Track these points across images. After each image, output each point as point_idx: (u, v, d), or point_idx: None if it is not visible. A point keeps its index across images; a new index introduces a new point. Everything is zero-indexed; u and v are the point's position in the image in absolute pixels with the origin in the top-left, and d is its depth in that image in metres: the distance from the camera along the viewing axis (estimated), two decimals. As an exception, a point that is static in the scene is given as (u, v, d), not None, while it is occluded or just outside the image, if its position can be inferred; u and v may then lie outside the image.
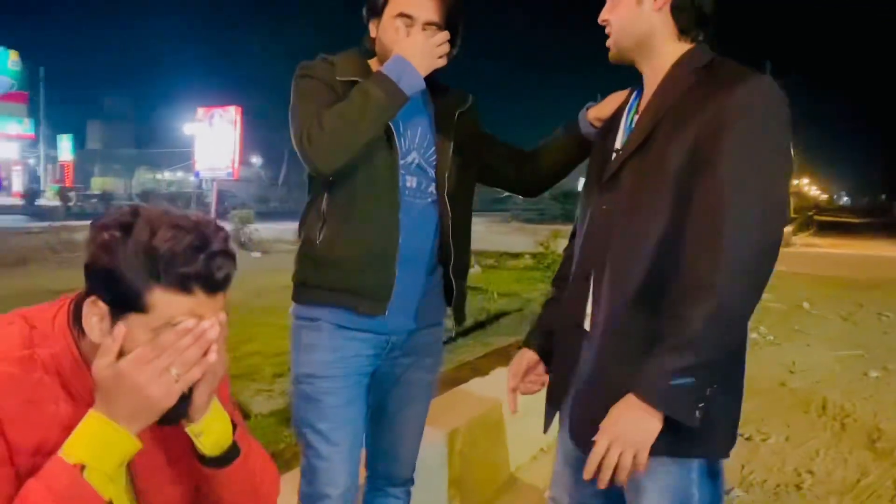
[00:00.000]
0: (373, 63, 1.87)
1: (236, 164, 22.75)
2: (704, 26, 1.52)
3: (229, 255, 1.13)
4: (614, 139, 1.62)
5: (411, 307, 1.87)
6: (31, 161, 50.08)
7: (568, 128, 1.95)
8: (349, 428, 1.86)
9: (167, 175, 53.91)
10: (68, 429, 1.09)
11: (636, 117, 1.57)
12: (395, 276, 1.78)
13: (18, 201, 36.38)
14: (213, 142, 22.69)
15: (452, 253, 1.88)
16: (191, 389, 1.14)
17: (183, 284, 1.07)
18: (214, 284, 1.10)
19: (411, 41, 1.74)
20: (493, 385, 3.40)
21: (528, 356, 1.78)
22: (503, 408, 3.20)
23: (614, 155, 1.58)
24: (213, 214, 22.81)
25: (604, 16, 1.58)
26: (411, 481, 2.08)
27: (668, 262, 1.40)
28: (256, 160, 55.02)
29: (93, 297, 1.10)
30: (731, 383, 1.47)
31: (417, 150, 1.86)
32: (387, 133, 1.77)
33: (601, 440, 1.39)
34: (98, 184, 49.94)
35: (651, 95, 1.53)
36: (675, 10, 1.49)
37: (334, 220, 1.78)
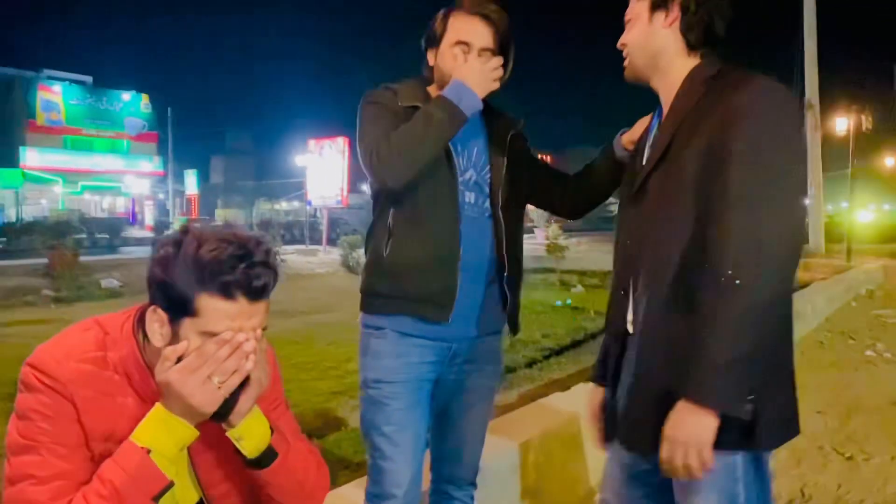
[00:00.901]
0: (431, 90, 2.00)
1: (345, 192, 23.55)
2: (713, 42, 1.59)
3: (269, 267, 1.27)
4: (642, 158, 1.69)
5: (472, 315, 1.97)
6: (161, 196, 53.43)
7: (605, 153, 2.05)
8: (412, 431, 1.97)
9: (284, 205, 56.32)
10: (134, 420, 1.27)
11: (657, 133, 1.64)
12: (457, 283, 1.90)
13: (150, 234, 38.90)
14: (323, 171, 23.65)
15: (506, 264, 1.98)
16: (234, 394, 1.27)
17: (226, 291, 1.22)
18: (254, 291, 1.24)
19: (469, 66, 1.87)
20: (573, 399, 3.42)
21: (597, 393, 1.84)
22: (581, 421, 3.22)
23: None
24: (324, 241, 23.82)
25: (622, 41, 1.67)
26: (474, 485, 2.17)
27: (696, 262, 1.45)
28: (366, 188, 56.32)
29: (153, 307, 1.27)
30: (774, 373, 1.48)
31: (474, 167, 1.99)
32: (446, 153, 1.90)
33: (665, 449, 1.44)
34: (221, 215, 52.64)
35: (667, 110, 1.61)
36: (685, 27, 1.57)
37: (400, 233, 1.91)
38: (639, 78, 1.67)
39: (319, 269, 17.47)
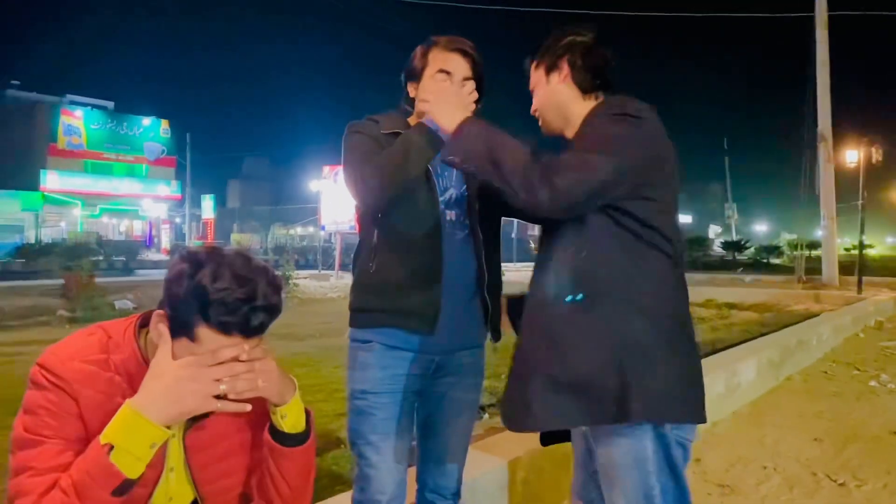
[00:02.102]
0: (411, 120, 2.13)
1: (358, 218, 23.65)
2: (604, 83, 1.89)
3: (270, 309, 1.37)
4: None
5: (455, 328, 2.07)
6: (178, 220, 53.96)
7: None
8: (396, 440, 2.06)
9: (298, 229, 56.68)
10: None
11: None
12: (441, 297, 2.01)
13: (165, 257, 39.24)
14: (337, 197, 23.85)
15: (486, 275, 2.09)
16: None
17: (224, 328, 1.32)
18: (249, 332, 1.35)
19: (445, 92, 1.98)
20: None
21: None
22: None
23: None
24: (337, 266, 24.01)
25: (533, 108, 1.99)
26: (458, 495, 2.24)
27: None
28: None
29: (162, 312, 1.37)
30: (643, 348, 1.66)
31: (455, 186, 2.12)
32: (426, 174, 2.02)
33: None
34: (236, 239, 53.05)
35: None
36: (575, 79, 1.88)
37: (385, 250, 2.03)
38: (554, 132, 1.95)
39: (331, 293, 17.62)
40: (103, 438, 1.29)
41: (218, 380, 1.33)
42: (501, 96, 2.19)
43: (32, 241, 37.50)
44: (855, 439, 4.64)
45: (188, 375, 1.32)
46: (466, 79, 2.08)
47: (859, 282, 14.96)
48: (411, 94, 2.12)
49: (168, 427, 1.33)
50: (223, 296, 1.30)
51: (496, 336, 2.20)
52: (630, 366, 1.64)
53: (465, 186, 2.13)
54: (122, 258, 34.69)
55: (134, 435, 1.30)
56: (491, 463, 2.89)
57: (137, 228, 49.30)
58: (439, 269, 2.01)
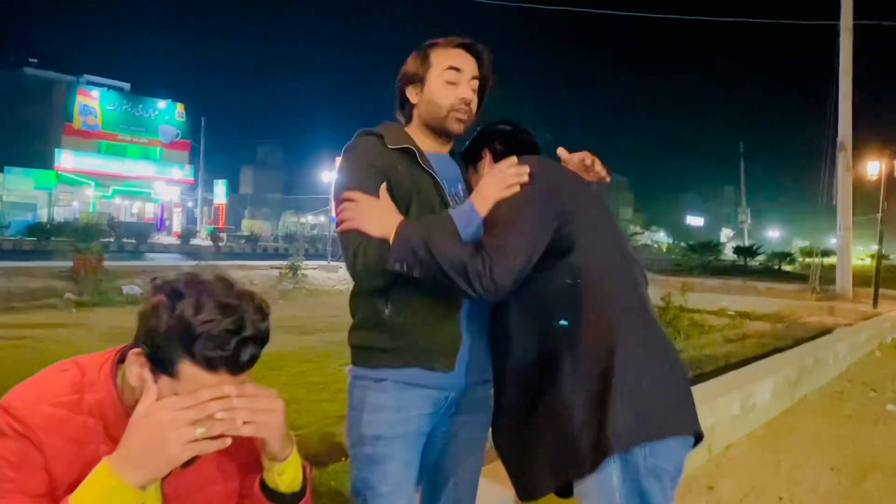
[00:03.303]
0: (411, 131, 2.01)
1: (370, 210, 23.55)
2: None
3: (259, 339, 1.24)
4: None
5: (473, 361, 1.94)
6: (190, 203, 54.12)
7: None
8: (407, 490, 1.92)
9: (310, 218, 56.73)
10: None
11: None
12: (461, 333, 1.88)
13: (176, 240, 39.35)
14: (349, 188, 23.70)
15: None
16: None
17: (210, 364, 1.20)
18: (238, 367, 1.22)
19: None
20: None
21: None
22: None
23: None
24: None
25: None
26: None
27: None
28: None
29: (138, 349, 1.24)
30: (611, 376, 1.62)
31: None
32: (444, 205, 1.91)
33: None
34: (247, 226, 53.28)
35: None
36: (496, 159, 1.97)
37: (400, 290, 1.86)
38: None
39: (340, 285, 17.52)
40: (73, 501, 1.16)
41: (197, 421, 1.19)
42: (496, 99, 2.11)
43: (44, 219, 37.65)
44: (874, 469, 4.49)
45: (167, 422, 1.17)
46: (474, 77, 1.97)
47: (875, 295, 14.72)
48: (412, 99, 2.00)
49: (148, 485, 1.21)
50: (209, 328, 1.17)
51: None
52: (605, 400, 1.60)
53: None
54: (133, 240, 34.78)
55: (109, 500, 1.17)
56: (498, 493, 2.76)
57: (149, 211, 49.51)
58: (459, 303, 1.88)
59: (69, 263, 14.65)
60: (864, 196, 21.29)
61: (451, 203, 1.92)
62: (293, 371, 7.44)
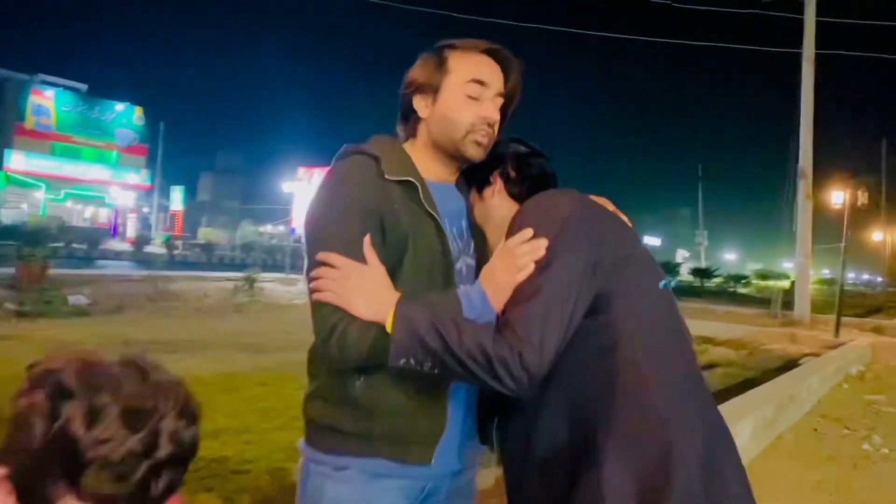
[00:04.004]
0: (415, 151, 1.63)
1: (331, 223, 23.27)
2: (533, 186, 1.65)
3: (181, 460, 0.89)
4: None
5: (457, 448, 1.59)
6: (146, 210, 52.94)
7: None
8: None
9: (269, 229, 55.89)
10: None
11: None
12: (446, 421, 1.53)
13: (130, 247, 38.29)
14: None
15: None
16: None
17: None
18: (151, 502, 0.87)
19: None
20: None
21: None
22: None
23: None
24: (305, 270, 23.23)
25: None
26: None
27: None
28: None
29: (3, 472, 0.87)
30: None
31: (464, 250, 1.66)
32: (441, 242, 1.55)
33: None
34: (204, 234, 52.28)
35: None
36: (509, 189, 1.68)
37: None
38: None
39: (298, 300, 16.98)
40: None
41: None
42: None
43: (-9, 221, 36.33)
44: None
45: None
46: (499, 94, 1.61)
47: (837, 324, 14.78)
48: (420, 112, 1.62)
49: None
50: (107, 450, 0.82)
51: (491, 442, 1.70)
52: None
53: (472, 246, 1.68)
54: (84, 246, 33.70)
55: None
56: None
57: (103, 216, 48.30)
58: (447, 389, 1.53)
59: (12, 270, 13.94)
60: (820, 224, 21.57)
61: (452, 249, 1.57)
62: (246, 395, 7.03)
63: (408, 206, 1.52)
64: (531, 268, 1.38)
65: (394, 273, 1.48)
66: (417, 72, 1.62)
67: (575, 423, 1.36)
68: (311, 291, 1.46)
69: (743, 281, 43.54)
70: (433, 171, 1.63)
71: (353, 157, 1.57)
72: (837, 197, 19.49)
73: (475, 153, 1.60)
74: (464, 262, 1.63)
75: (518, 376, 1.28)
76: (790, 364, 10.15)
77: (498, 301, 1.41)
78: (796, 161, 19.58)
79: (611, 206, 1.61)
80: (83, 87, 49.16)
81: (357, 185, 1.51)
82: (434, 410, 1.52)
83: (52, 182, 43.18)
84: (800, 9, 19.70)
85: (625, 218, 1.59)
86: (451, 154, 1.62)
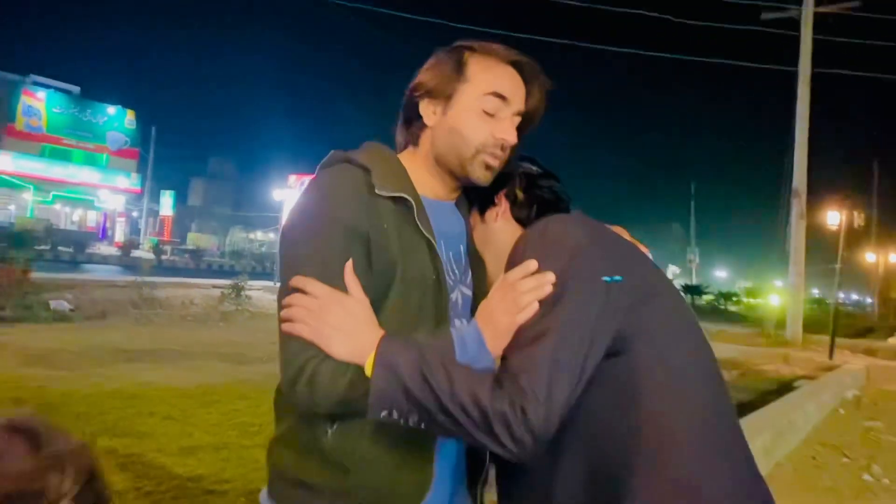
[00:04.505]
0: (414, 163, 1.43)
1: (321, 232, 23.18)
2: (542, 210, 1.46)
3: None
4: None
5: (445, 499, 1.38)
6: (135, 214, 52.57)
7: None
8: None
9: (259, 235, 55.57)
10: None
11: None
12: (433, 474, 1.33)
13: (117, 251, 37.91)
14: (301, 208, 23.17)
15: None
16: None
17: None
18: None
19: (505, 304, 1.21)
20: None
21: None
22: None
23: None
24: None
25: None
26: None
27: None
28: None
29: None
30: None
31: (461, 279, 1.45)
32: (436, 273, 1.34)
33: None
34: (193, 239, 51.89)
35: None
36: (515, 213, 1.49)
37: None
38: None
39: (285, 309, 16.72)
40: None
41: None
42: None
43: (-23, 222, 35.95)
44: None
45: None
46: (518, 113, 1.41)
47: (832, 346, 14.64)
48: (427, 120, 1.41)
49: None
50: None
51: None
52: None
53: (470, 275, 1.47)
54: (70, 249, 33.34)
55: None
56: None
57: (91, 219, 47.89)
58: (434, 436, 1.31)
59: (-7, 273, 13.64)
60: (813, 244, 21.51)
61: (448, 277, 1.37)
62: (226, 409, 6.78)
63: (399, 227, 1.32)
64: (535, 306, 1.16)
65: (379, 304, 1.28)
66: (430, 73, 1.41)
67: (595, 494, 1.14)
68: (281, 321, 1.25)
69: (734, 299, 43.53)
70: (431, 187, 1.43)
71: (341, 166, 1.36)
72: (833, 218, 19.40)
73: (481, 177, 1.39)
74: (459, 293, 1.42)
75: (520, 437, 1.06)
76: (784, 387, 9.99)
77: (496, 345, 1.20)
78: (790, 180, 19.53)
79: (626, 235, 1.40)
80: (76, 89, 48.84)
81: (342, 199, 1.29)
82: (419, 464, 1.31)
83: (41, 184, 42.77)
84: (797, 27, 19.70)
85: (644, 249, 1.38)
86: (454, 173, 1.41)
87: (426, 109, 1.41)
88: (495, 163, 1.39)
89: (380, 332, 1.20)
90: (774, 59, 22.08)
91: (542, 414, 1.05)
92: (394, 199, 1.32)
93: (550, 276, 1.17)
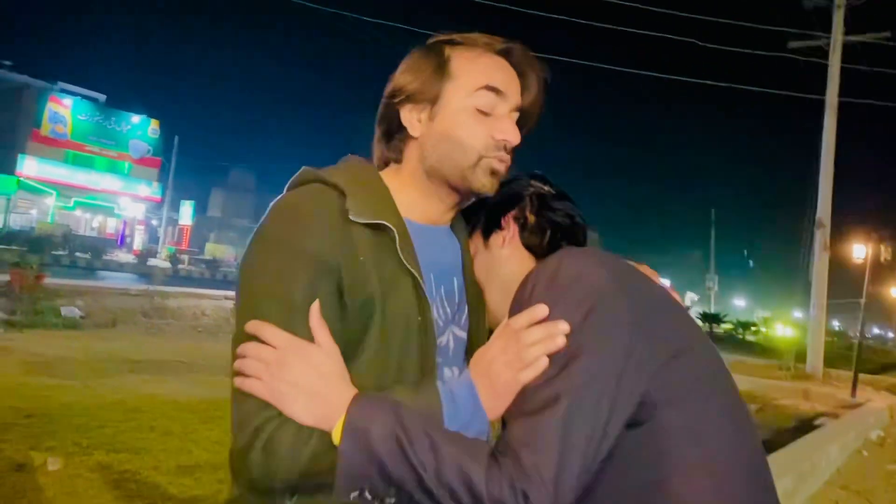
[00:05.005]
0: (400, 183, 1.24)
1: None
2: (557, 238, 1.28)
3: None
4: None
5: None
6: (154, 222, 52.89)
7: None
8: None
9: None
10: None
11: None
12: None
13: (133, 259, 38.05)
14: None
15: None
16: None
17: None
18: None
19: (507, 358, 1.04)
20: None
21: None
22: None
23: None
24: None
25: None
26: None
27: None
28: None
29: None
30: None
31: (454, 318, 1.25)
32: (423, 353, 1.15)
33: None
34: (211, 250, 52.07)
35: None
36: (525, 239, 1.29)
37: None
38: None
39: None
40: None
41: None
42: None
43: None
44: None
45: None
46: (516, 108, 1.23)
47: (854, 383, 14.25)
48: (412, 130, 1.23)
49: None
50: None
51: None
52: None
53: (465, 312, 1.28)
54: (88, 256, 33.48)
55: None
56: None
57: (111, 226, 48.22)
58: None
59: (7, 277, 13.62)
60: (834, 275, 21.12)
61: (438, 317, 1.18)
62: (228, 426, 6.47)
63: (379, 259, 1.12)
64: (544, 363, 0.97)
65: (353, 353, 1.09)
66: (409, 75, 1.23)
67: None
68: (234, 374, 1.05)
69: (752, 328, 42.97)
70: (421, 210, 1.24)
71: (310, 187, 1.17)
72: (859, 251, 19.01)
73: (486, 186, 1.21)
74: (451, 335, 1.23)
75: None
76: (804, 424, 9.68)
77: (494, 405, 1.02)
78: (814, 210, 19.19)
79: (656, 277, 1.20)
80: (102, 97, 49.41)
81: (308, 226, 1.10)
82: None
83: (63, 189, 43.14)
84: (825, 55, 19.44)
85: (676, 296, 1.18)
86: (454, 186, 1.22)
87: (409, 118, 1.23)
88: (501, 167, 1.21)
89: (351, 392, 1.01)
90: (800, 86, 21.82)
91: (547, 500, 0.87)
92: (372, 226, 1.13)
93: (564, 327, 0.98)
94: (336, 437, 0.97)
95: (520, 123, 1.24)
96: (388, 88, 1.24)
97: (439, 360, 1.17)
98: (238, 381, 1.04)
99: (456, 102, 1.20)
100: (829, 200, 19.01)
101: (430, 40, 1.26)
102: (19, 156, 41.51)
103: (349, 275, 1.09)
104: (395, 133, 1.25)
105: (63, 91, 46.30)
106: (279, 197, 1.18)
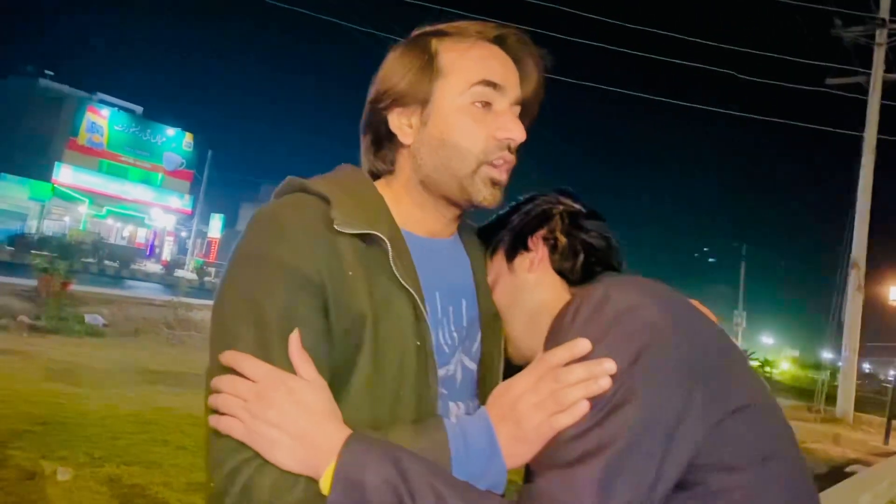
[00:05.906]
0: (394, 193, 1.11)
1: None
2: (590, 262, 1.14)
3: None
4: None
5: None
6: (184, 234, 53.46)
7: None
8: None
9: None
10: None
11: None
12: None
13: (162, 269, 38.41)
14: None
15: None
16: None
17: None
18: None
19: (539, 399, 0.90)
20: None
21: None
22: None
23: None
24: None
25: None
26: None
27: None
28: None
29: None
30: None
31: (462, 345, 1.11)
32: (421, 383, 1.01)
33: None
34: (237, 263, 52.47)
35: None
36: (554, 260, 1.14)
37: None
38: (526, 357, 1.08)
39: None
40: None
41: None
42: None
43: (33, 231, 36.87)
44: None
45: None
46: (516, 102, 1.09)
47: (888, 430, 13.80)
48: (402, 137, 1.10)
49: None
50: None
51: None
52: None
53: (478, 340, 1.13)
54: (116, 264, 33.85)
55: None
56: None
57: (141, 236, 48.85)
58: None
59: (34, 282, 13.73)
60: (866, 317, 20.65)
61: (442, 341, 1.04)
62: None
63: (370, 275, 0.99)
64: (584, 407, 0.84)
65: (341, 381, 0.95)
66: (394, 76, 1.09)
67: None
68: (208, 411, 0.92)
69: (781, 367, 42.29)
70: (420, 222, 1.12)
71: (293, 196, 1.05)
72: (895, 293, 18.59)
73: (489, 196, 1.08)
74: (459, 365, 1.09)
75: None
76: (836, 471, 9.35)
77: (517, 452, 0.88)
78: (848, 249, 18.79)
79: (712, 316, 1.04)
80: (138, 109, 50.28)
81: (288, 238, 0.97)
82: None
83: (97, 198, 43.80)
84: (863, 91, 19.14)
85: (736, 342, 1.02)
86: (451, 198, 1.09)
87: (398, 124, 1.10)
88: (503, 177, 1.08)
89: (342, 433, 0.87)
90: (838, 122, 21.45)
91: None
92: (362, 237, 0.99)
93: (610, 366, 0.84)
94: (325, 487, 0.84)
95: (520, 116, 1.11)
96: (372, 92, 1.11)
97: (444, 392, 1.03)
98: (213, 421, 0.91)
99: (449, 102, 1.07)
100: (865, 241, 18.60)
101: (415, 32, 1.12)
102: (56, 163, 42.27)
103: (335, 291, 0.95)
104: (385, 141, 1.13)
105: (101, 102, 47.22)
106: (258, 208, 1.05)
